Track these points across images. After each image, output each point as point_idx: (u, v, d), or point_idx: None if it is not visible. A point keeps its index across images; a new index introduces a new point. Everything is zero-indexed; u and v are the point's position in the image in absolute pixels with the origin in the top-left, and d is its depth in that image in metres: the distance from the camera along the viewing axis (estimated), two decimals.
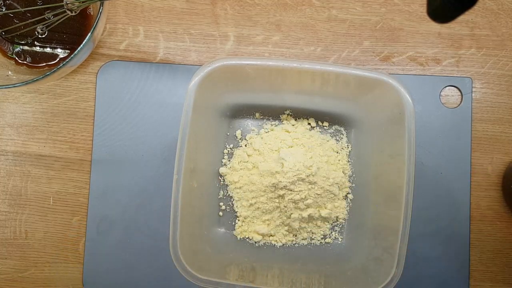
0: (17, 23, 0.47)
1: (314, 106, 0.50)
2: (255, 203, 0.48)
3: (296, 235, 0.49)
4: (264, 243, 0.49)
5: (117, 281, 0.50)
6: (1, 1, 0.47)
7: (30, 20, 0.46)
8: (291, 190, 0.45)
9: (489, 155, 0.51)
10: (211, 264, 0.44)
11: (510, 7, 0.52)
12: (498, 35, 0.52)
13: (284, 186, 0.45)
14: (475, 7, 0.52)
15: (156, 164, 0.50)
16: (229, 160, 0.50)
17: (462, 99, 0.51)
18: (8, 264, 0.51)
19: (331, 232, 0.49)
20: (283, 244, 0.49)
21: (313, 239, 0.49)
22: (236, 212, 0.49)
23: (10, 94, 0.52)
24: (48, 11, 0.46)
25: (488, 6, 0.52)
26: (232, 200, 0.50)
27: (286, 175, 0.45)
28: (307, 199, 0.46)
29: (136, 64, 0.52)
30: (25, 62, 0.48)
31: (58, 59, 0.48)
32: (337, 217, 0.49)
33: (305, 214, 0.46)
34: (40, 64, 0.48)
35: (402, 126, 0.41)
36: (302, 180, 0.45)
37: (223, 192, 0.50)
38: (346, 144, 0.50)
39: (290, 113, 0.51)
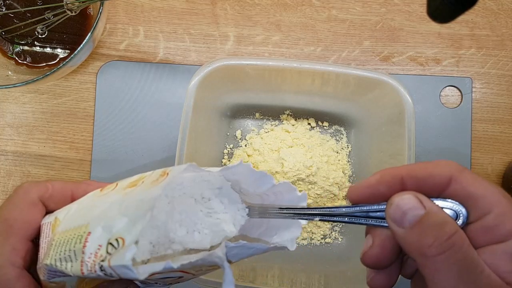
0: (17, 23, 0.47)
1: (314, 106, 0.50)
2: None
3: None
4: None
5: None
6: (1, 1, 0.47)
7: (30, 20, 0.46)
8: None
9: (489, 155, 0.51)
10: None
11: (510, 7, 0.52)
12: (498, 35, 0.52)
13: None
14: (475, 7, 0.52)
15: (156, 164, 0.50)
16: (229, 160, 0.50)
17: (462, 99, 0.51)
18: None
19: (331, 232, 0.49)
20: None
21: (313, 239, 0.49)
22: None
23: (10, 94, 0.52)
24: (48, 11, 0.46)
25: (488, 6, 0.52)
26: None
27: (286, 175, 0.45)
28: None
29: (136, 64, 0.52)
30: (25, 62, 0.48)
31: (58, 59, 0.48)
32: None
33: None
34: (40, 64, 0.48)
35: (402, 126, 0.41)
36: (302, 180, 0.45)
37: None
38: (346, 144, 0.50)
39: (290, 113, 0.51)
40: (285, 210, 0.26)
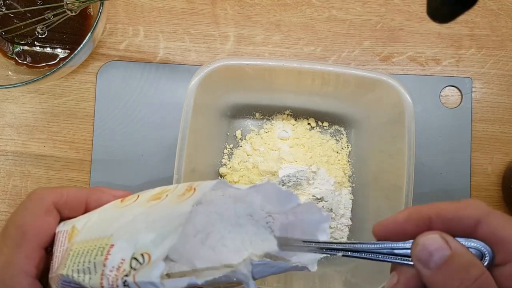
0: (17, 23, 0.47)
1: (314, 106, 0.50)
2: None
3: None
4: None
5: None
6: (1, 1, 0.47)
7: (30, 20, 0.46)
8: None
9: (489, 155, 0.50)
10: None
11: (510, 7, 0.52)
12: (498, 35, 0.52)
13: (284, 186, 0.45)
14: (475, 7, 0.52)
15: (156, 164, 0.50)
16: (229, 160, 0.50)
17: (462, 99, 0.51)
18: None
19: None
20: None
21: None
22: None
23: (10, 94, 0.52)
24: (48, 11, 0.46)
25: (488, 6, 0.52)
26: None
27: None
28: None
29: (136, 64, 0.52)
30: (25, 62, 0.48)
31: (58, 59, 0.48)
32: None
33: None
34: (40, 64, 0.48)
35: (402, 126, 0.41)
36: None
37: None
38: (346, 144, 0.50)
39: (290, 113, 0.51)
40: (309, 243, 0.26)
